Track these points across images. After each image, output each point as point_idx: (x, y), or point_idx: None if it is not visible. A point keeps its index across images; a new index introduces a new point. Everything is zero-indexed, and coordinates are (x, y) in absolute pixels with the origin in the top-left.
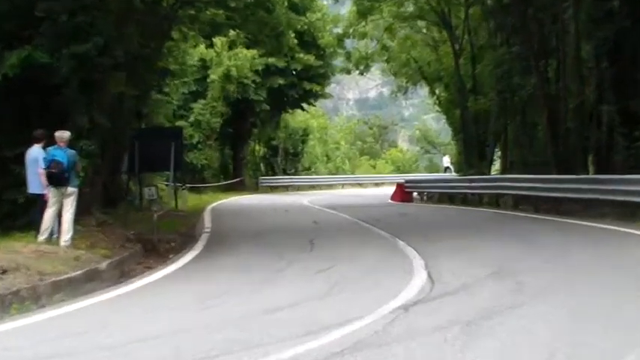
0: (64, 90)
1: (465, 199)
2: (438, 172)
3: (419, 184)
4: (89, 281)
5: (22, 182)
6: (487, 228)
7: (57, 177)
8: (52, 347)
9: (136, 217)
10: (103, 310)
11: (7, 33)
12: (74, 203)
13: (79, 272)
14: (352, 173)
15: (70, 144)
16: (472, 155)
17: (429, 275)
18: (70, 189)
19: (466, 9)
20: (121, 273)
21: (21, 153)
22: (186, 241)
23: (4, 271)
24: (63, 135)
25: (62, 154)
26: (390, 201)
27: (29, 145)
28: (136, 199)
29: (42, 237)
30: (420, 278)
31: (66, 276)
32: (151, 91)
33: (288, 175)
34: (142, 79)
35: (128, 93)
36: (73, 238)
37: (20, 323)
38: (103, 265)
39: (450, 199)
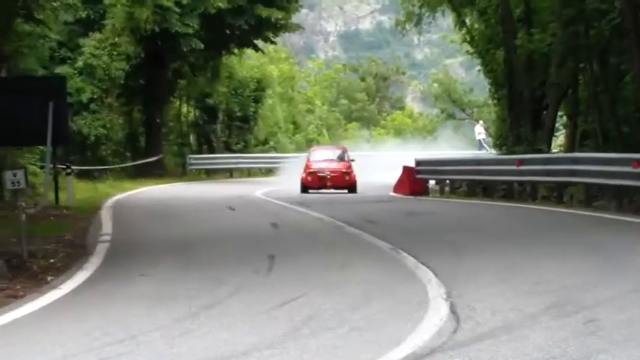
0: None
1: (509, 192)
2: (471, 149)
3: (437, 168)
4: None
5: None
6: (543, 237)
7: None
8: None
9: None
10: None
11: None
12: None
13: None
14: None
15: None
16: (522, 122)
17: (453, 309)
18: None
19: None
20: None
21: None
22: (73, 254)
23: None
24: None
25: None
26: (392, 193)
27: None
28: None
29: None
30: (438, 314)
31: None
32: (13, 19)
33: (234, 152)
34: None
35: None
36: None
37: None
38: None
39: (485, 190)
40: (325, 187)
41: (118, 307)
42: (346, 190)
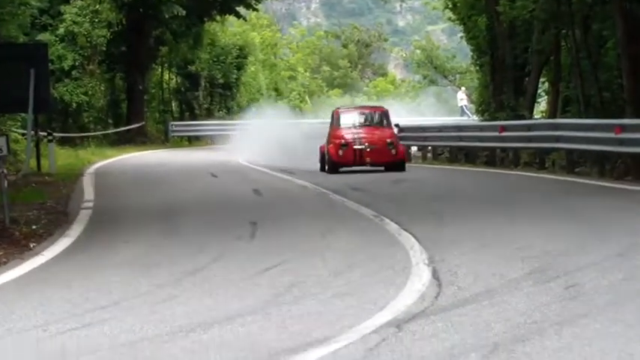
0: None
1: (491, 158)
2: (453, 115)
3: (420, 135)
4: None
5: None
6: (526, 203)
7: None
8: None
9: None
10: None
11: None
12: None
13: None
14: (316, 116)
15: None
16: (504, 89)
17: (435, 275)
18: None
19: None
20: None
21: None
22: (55, 221)
23: None
24: None
25: None
26: None
27: None
28: None
29: None
30: (420, 280)
31: None
32: None
33: (216, 118)
34: None
35: None
36: None
37: None
38: None
39: (467, 156)
40: (363, 164)
41: (100, 273)
42: (383, 168)
